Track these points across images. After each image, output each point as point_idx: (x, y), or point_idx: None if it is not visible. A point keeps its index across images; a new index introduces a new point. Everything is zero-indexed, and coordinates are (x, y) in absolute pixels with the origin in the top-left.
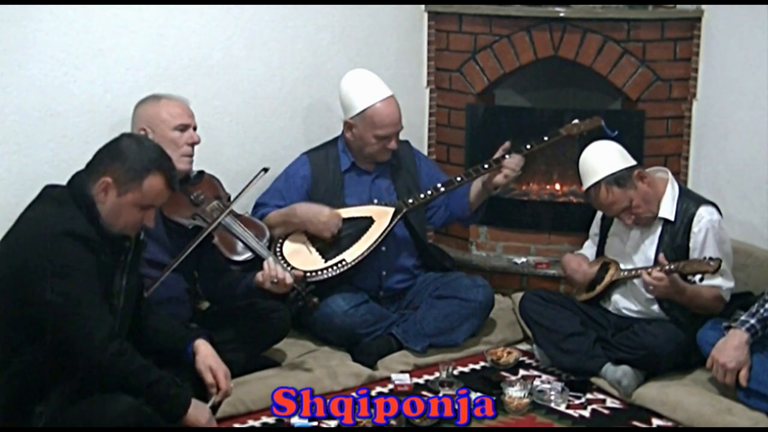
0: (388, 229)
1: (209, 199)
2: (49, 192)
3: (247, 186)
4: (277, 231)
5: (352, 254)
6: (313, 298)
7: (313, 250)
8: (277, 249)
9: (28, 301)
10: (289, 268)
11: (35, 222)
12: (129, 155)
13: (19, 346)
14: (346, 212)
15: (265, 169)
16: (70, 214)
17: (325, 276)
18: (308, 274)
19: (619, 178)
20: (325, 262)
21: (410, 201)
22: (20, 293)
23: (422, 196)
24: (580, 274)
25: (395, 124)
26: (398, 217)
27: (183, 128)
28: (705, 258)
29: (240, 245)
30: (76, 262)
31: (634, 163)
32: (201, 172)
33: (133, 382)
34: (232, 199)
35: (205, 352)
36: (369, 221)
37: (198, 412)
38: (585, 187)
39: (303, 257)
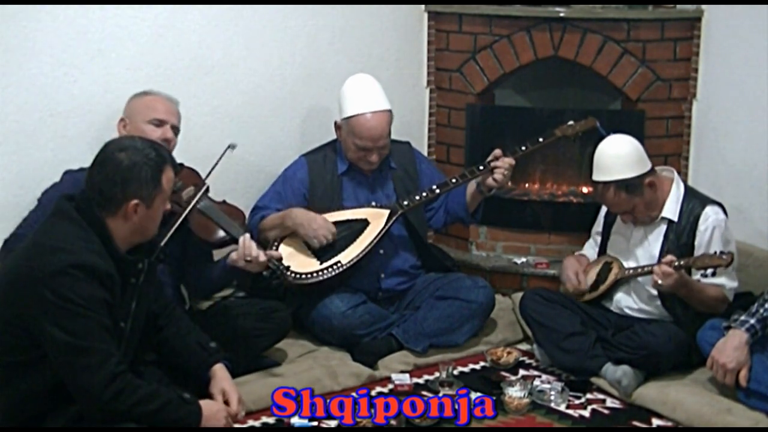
0: (384, 230)
1: (186, 186)
2: (67, 210)
3: (216, 163)
4: (273, 233)
5: (347, 256)
6: (289, 276)
7: (308, 252)
8: (273, 249)
9: (33, 330)
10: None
11: (50, 248)
12: (139, 168)
13: (21, 370)
14: (342, 215)
15: (232, 146)
16: (84, 244)
17: (321, 278)
18: (304, 276)
19: (630, 185)
20: (321, 264)
21: (405, 203)
22: (25, 321)
23: (417, 197)
24: (571, 285)
25: (374, 140)
26: (393, 219)
27: (158, 123)
28: (716, 252)
29: (215, 227)
30: (84, 298)
31: (649, 167)
32: (180, 164)
33: (136, 414)
34: (206, 182)
35: (219, 377)
36: (364, 223)
37: (209, 414)
38: (595, 179)
39: (299, 259)
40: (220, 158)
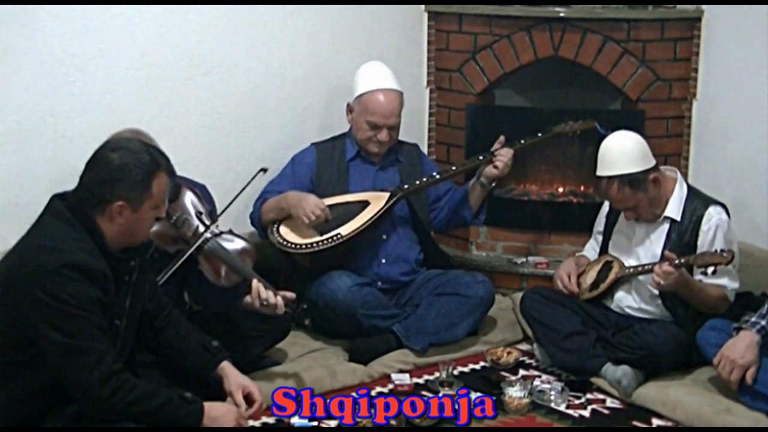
0: (384, 208)
1: (190, 218)
2: (60, 210)
3: (243, 188)
4: (270, 216)
5: (346, 229)
6: (304, 319)
7: (310, 227)
8: (275, 227)
9: (28, 330)
10: (278, 292)
11: (42, 248)
12: (129, 169)
13: (18, 369)
14: (344, 198)
15: (264, 170)
16: (76, 244)
17: (320, 248)
18: (303, 246)
19: (633, 180)
20: (321, 236)
21: (405, 186)
22: (20, 321)
23: (417, 182)
24: (560, 283)
25: (386, 116)
26: (394, 200)
27: None
28: (717, 250)
29: (225, 269)
30: (77, 298)
31: (653, 163)
32: (177, 185)
33: (135, 412)
34: (217, 214)
35: (233, 374)
36: (365, 204)
37: (217, 414)
38: (599, 174)
39: (299, 232)
40: (251, 181)
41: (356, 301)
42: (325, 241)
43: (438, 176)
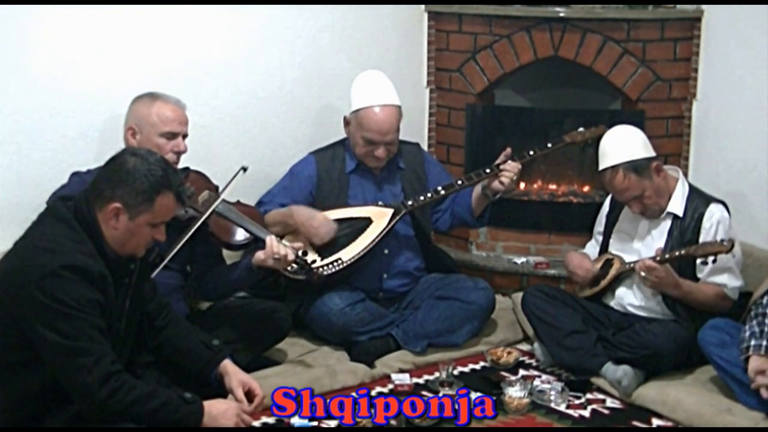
0: (386, 230)
1: (200, 190)
2: (60, 211)
3: (224, 187)
4: (275, 229)
5: (348, 253)
6: (317, 269)
7: (310, 249)
8: None
9: (26, 331)
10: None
11: (41, 250)
12: (136, 176)
13: (18, 369)
14: (346, 212)
15: (244, 168)
16: (75, 246)
17: (321, 273)
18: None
19: (637, 167)
20: (321, 260)
21: (409, 203)
22: (18, 322)
23: (422, 198)
24: (582, 271)
25: (382, 133)
26: (396, 218)
27: (170, 136)
28: (717, 240)
29: (236, 229)
30: (76, 300)
31: (654, 154)
32: (186, 168)
33: (135, 413)
34: (221, 189)
35: (234, 371)
36: (367, 222)
37: (217, 412)
38: (602, 167)
39: None
40: (232, 180)
41: (350, 322)
42: (326, 267)
43: (443, 191)
